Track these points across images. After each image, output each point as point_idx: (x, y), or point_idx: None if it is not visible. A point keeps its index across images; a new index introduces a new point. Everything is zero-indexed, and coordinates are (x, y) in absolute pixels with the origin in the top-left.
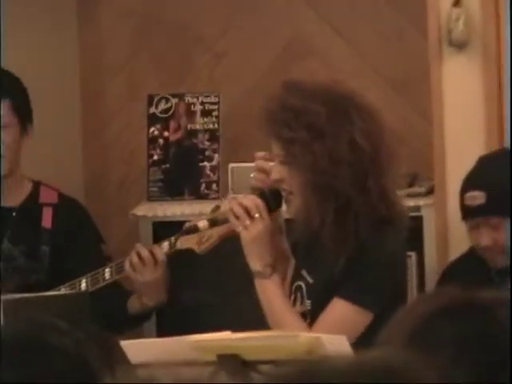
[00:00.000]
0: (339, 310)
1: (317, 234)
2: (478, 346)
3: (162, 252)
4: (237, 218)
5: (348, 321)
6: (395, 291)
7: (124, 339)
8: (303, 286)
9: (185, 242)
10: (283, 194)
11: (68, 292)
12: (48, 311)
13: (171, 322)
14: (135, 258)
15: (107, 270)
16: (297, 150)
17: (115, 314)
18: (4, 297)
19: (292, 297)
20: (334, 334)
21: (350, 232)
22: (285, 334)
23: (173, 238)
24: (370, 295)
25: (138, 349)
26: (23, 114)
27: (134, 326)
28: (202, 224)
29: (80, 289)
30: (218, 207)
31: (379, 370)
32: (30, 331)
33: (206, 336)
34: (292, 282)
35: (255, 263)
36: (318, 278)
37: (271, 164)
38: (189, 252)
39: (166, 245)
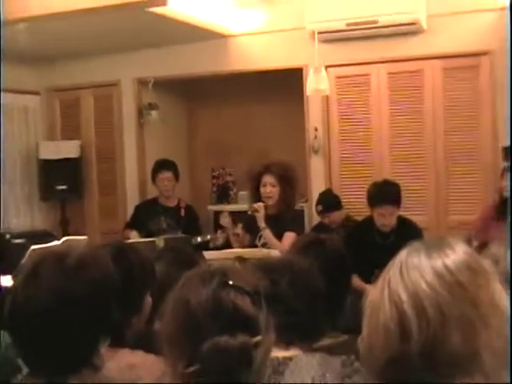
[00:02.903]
0: (290, 236)
1: (278, 213)
2: (322, 257)
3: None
4: (255, 211)
5: (292, 239)
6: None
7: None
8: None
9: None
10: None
11: (183, 236)
12: (178, 243)
13: None
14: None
15: (218, 234)
16: (278, 181)
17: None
18: (164, 236)
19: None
20: (289, 245)
21: (292, 209)
22: (259, 250)
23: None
24: (299, 228)
25: (208, 254)
26: (176, 176)
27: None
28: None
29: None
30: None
31: (287, 261)
32: (174, 248)
33: (232, 250)
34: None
35: (262, 223)
36: (275, 229)
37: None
38: None
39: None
